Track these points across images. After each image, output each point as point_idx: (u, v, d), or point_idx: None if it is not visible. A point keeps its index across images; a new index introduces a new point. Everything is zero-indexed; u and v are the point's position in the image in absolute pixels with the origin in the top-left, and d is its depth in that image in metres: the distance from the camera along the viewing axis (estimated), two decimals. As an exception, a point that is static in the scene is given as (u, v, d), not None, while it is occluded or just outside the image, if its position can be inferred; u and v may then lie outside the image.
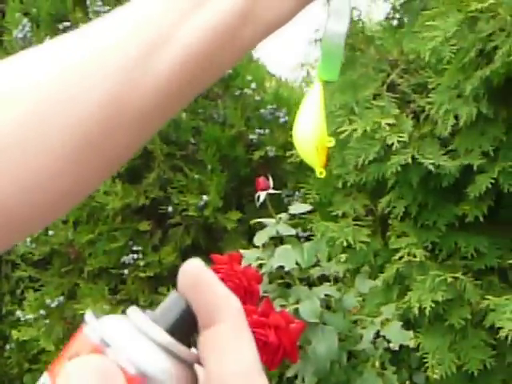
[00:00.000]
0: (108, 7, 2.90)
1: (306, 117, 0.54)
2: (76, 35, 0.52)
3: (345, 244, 1.98)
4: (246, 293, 1.46)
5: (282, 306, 1.54)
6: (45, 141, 0.49)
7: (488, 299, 1.82)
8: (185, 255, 2.79)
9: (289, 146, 2.67)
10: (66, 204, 0.55)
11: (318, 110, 0.54)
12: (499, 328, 1.72)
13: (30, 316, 2.81)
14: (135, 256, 2.71)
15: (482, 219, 1.94)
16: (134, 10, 0.52)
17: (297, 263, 1.61)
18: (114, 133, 0.51)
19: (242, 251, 1.63)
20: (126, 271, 2.73)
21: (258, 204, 1.68)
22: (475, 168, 1.89)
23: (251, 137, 2.92)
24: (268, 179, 1.72)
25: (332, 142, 0.54)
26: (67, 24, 2.99)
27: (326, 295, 1.59)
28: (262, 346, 1.33)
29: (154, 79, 0.50)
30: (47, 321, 2.81)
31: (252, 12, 0.52)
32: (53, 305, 2.78)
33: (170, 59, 0.50)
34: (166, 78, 0.51)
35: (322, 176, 0.55)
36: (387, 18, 2.37)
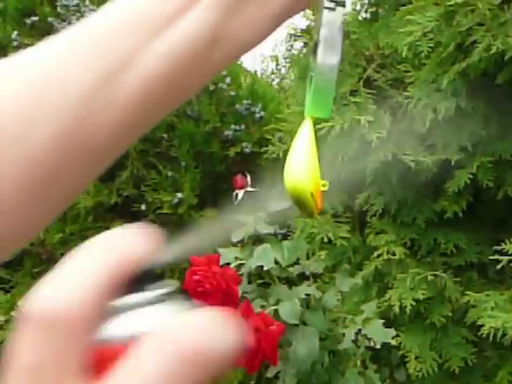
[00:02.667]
0: (76, 0, 2.84)
1: (299, 158, 0.49)
2: (31, 58, 0.49)
3: (325, 240, 1.96)
4: (225, 295, 1.43)
5: (261, 306, 1.51)
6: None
7: (468, 295, 1.81)
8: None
9: (264, 142, 2.65)
10: (19, 240, 0.52)
11: (310, 150, 0.50)
12: (480, 325, 1.71)
13: (2, 318, 2.76)
14: (109, 256, 2.67)
15: (461, 215, 1.92)
16: (90, 32, 0.48)
17: (276, 262, 1.59)
18: (69, 165, 0.48)
19: (220, 250, 1.60)
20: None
21: (235, 203, 1.66)
22: (453, 163, 1.88)
23: (226, 133, 2.89)
24: (245, 176, 1.69)
25: (326, 186, 0.50)
26: (35, 18, 2.94)
27: (306, 294, 1.57)
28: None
29: (110, 109, 0.47)
30: (19, 323, 2.76)
31: (223, 35, 0.49)
32: (25, 306, 2.73)
33: (129, 87, 0.47)
34: (124, 107, 0.47)
35: (317, 217, 0.51)
36: (359, 11, 2.35)
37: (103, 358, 0.27)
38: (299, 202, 0.49)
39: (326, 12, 0.49)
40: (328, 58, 0.49)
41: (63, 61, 0.47)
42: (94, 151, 0.48)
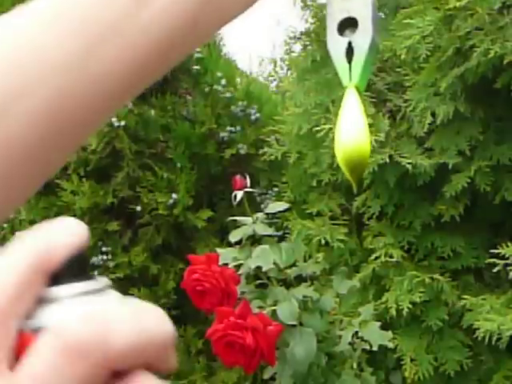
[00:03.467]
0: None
1: (357, 122, 0.48)
2: (6, 25, 0.48)
3: (322, 242, 1.96)
4: (224, 294, 1.43)
5: (259, 307, 1.51)
6: None
7: (465, 299, 1.81)
8: (155, 255, 2.75)
9: (260, 143, 2.65)
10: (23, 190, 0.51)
11: (364, 115, 0.49)
12: (476, 328, 1.72)
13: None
14: (104, 257, 2.66)
15: (458, 219, 1.93)
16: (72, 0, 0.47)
17: (274, 263, 1.59)
18: (53, 139, 0.47)
19: (218, 250, 1.60)
20: (95, 272, 2.67)
21: (234, 203, 1.65)
22: (451, 167, 1.88)
23: (222, 134, 2.88)
24: (244, 177, 1.69)
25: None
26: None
27: (304, 296, 1.57)
28: (239, 349, 1.31)
29: (95, 78, 0.46)
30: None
31: (207, 4, 0.48)
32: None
33: (113, 56, 0.46)
34: (110, 76, 0.46)
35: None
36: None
37: (21, 346, 0.28)
38: (353, 168, 0.49)
39: None
40: (376, 35, 0.51)
41: (47, 27, 0.46)
42: (80, 121, 0.48)
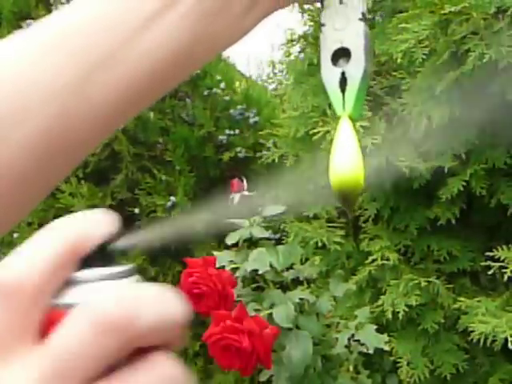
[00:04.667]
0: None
1: (350, 154, 0.49)
2: (14, 50, 0.49)
3: (319, 245, 1.97)
4: (221, 297, 1.44)
5: (256, 310, 1.52)
6: None
7: (461, 301, 1.82)
8: (153, 257, 2.76)
9: (259, 146, 2.66)
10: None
11: (357, 147, 0.50)
12: (471, 331, 1.72)
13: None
14: (103, 259, 2.67)
15: (454, 222, 1.94)
16: (72, 27, 0.48)
17: (271, 266, 1.59)
18: (48, 162, 0.49)
19: (215, 253, 1.61)
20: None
21: (231, 206, 1.67)
22: (446, 170, 1.89)
23: (220, 137, 2.90)
24: (242, 180, 1.70)
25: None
26: (30, 22, 2.93)
27: (300, 299, 1.58)
28: (236, 352, 1.31)
29: (93, 104, 0.48)
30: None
31: (204, 34, 0.50)
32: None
33: (110, 83, 0.48)
34: (107, 102, 0.48)
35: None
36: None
37: (49, 322, 0.30)
38: (346, 198, 0.49)
39: (362, 24, 0.53)
40: (369, 65, 0.52)
41: (48, 54, 0.47)
42: (77, 144, 0.49)
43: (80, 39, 0.48)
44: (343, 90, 0.53)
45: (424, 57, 1.87)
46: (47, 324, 0.30)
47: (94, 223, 0.33)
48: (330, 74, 0.53)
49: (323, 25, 0.54)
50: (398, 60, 1.89)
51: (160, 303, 0.30)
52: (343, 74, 0.53)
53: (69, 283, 0.32)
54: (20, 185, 0.48)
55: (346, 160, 0.49)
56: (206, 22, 0.49)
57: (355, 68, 0.52)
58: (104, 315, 0.29)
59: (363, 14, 0.53)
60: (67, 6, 0.49)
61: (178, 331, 0.31)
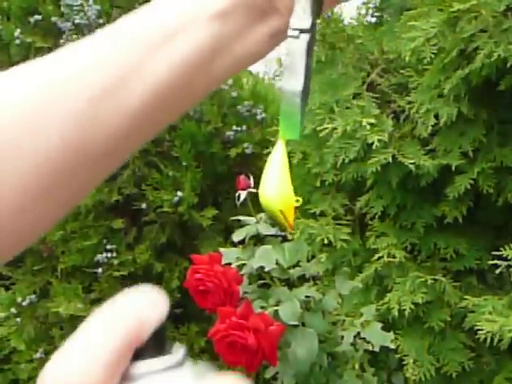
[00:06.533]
0: (80, 0, 2.85)
1: (271, 178, 0.54)
2: (47, 63, 0.51)
3: (325, 242, 1.97)
4: (226, 294, 1.44)
5: (261, 307, 1.52)
6: (3, 173, 0.47)
7: (467, 300, 1.82)
8: (160, 253, 2.76)
9: (266, 143, 2.65)
10: (23, 242, 0.53)
11: (282, 169, 0.54)
12: (478, 330, 1.72)
13: (1, 315, 2.76)
14: (109, 255, 2.67)
15: (461, 220, 1.93)
16: (102, 41, 0.51)
17: (277, 263, 1.59)
18: (79, 166, 0.49)
19: (221, 250, 1.61)
20: (99, 270, 2.69)
21: (238, 203, 1.66)
22: (454, 168, 1.89)
23: (228, 133, 2.90)
24: (248, 177, 1.69)
25: (299, 202, 0.54)
26: (38, 17, 2.94)
27: (306, 296, 1.58)
28: (241, 349, 1.31)
29: (119, 114, 0.49)
30: (18, 319, 2.77)
31: (221, 46, 0.51)
32: (24, 303, 2.73)
33: (136, 94, 0.50)
34: (132, 113, 0.50)
35: (291, 231, 0.57)
36: (366, 15, 2.35)
37: None
38: (272, 217, 0.54)
39: (288, 40, 0.52)
40: (290, 84, 0.52)
41: (79, 67, 0.50)
42: (104, 153, 0.50)
43: (112, 48, 0.51)
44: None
45: (432, 55, 1.86)
46: None
47: (150, 306, 0.29)
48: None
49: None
50: (407, 58, 1.88)
51: None
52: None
53: (124, 379, 0.28)
54: (41, 199, 0.49)
55: (269, 185, 0.54)
56: (224, 38, 0.51)
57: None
58: None
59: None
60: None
61: None
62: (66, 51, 0.51)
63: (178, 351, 0.30)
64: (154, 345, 0.29)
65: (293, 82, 0.52)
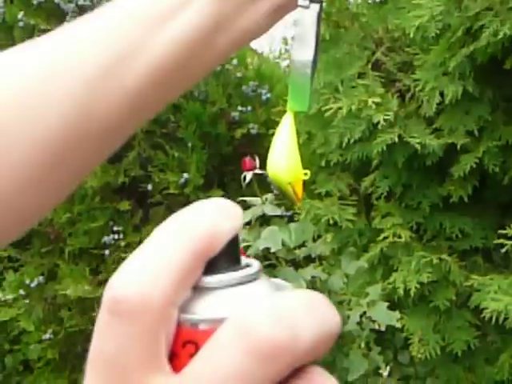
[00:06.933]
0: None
1: (279, 150, 0.53)
2: (47, 41, 0.51)
3: (331, 222, 1.97)
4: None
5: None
6: (3, 153, 0.48)
7: (473, 279, 1.82)
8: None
9: (271, 123, 2.65)
10: (27, 221, 0.53)
11: (291, 142, 0.53)
12: (483, 308, 1.73)
13: (10, 296, 2.78)
14: (116, 236, 2.69)
15: (466, 199, 1.93)
16: (105, 18, 0.51)
17: (283, 244, 1.60)
18: (80, 144, 0.50)
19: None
20: (106, 252, 2.70)
21: (244, 184, 1.67)
22: (459, 147, 1.88)
23: (233, 114, 2.89)
24: (253, 159, 1.70)
25: (307, 175, 0.53)
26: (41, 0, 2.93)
27: (312, 277, 1.59)
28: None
29: (122, 90, 0.50)
30: (27, 301, 2.79)
31: (225, 19, 0.51)
32: (32, 285, 2.75)
33: (139, 70, 0.50)
34: (135, 89, 0.50)
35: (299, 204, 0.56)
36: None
37: (182, 343, 0.26)
38: (281, 191, 0.53)
39: (298, 10, 0.52)
40: (300, 54, 0.52)
41: (80, 42, 0.50)
42: (106, 131, 0.50)
43: (114, 27, 0.50)
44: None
45: (438, 32, 1.85)
46: (180, 346, 0.26)
47: (223, 216, 0.27)
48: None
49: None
50: (411, 35, 1.87)
51: (315, 314, 0.25)
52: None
53: (197, 291, 0.27)
54: (43, 178, 0.49)
55: (278, 158, 0.52)
56: (227, 11, 0.51)
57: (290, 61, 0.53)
58: (261, 339, 0.24)
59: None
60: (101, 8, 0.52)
61: (332, 343, 0.26)
62: (67, 29, 0.51)
63: (253, 265, 0.28)
64: (228, 257, 0.28)
65: (303, 53, 0.52)
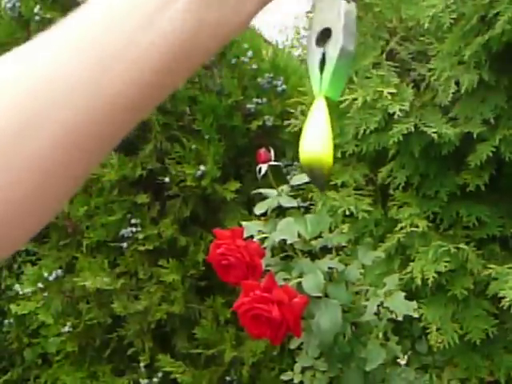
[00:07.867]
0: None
1: (316, 134, 0.51)
2: (38, 43, 0.51)
3: (347, 213, 1.97)
4: (249, 268, 1.45)
5: (284, 279, 1.53)
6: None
7: (490, 268, 1.82)
8: (184, 227, 2.78)
9: (286, 115, 2.65)
10: (44, 218, 0.54)
11: (327, 127, 0.53)
12: (501, 297, 1.72)
13: (28, 290, 2.80)
14: (134, 229, 2.70)
15: (483, 188, 1.92)
16: (81, 24, 0.50)
17: (299, 235, 1.60)
18: (74, 155, 0.50)
19: (243, 223, 1.62)
20: (124, 244, 2.71)
21: (259, 176, 1.67)
22: (475, 136, 1.88)
23: (248, 106, 2.89)
24: (268, 150, 1.70)
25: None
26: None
27: (329, 268, 1.59)
28: (266, 322, 1.33)
29: (107, 98, 0.49)
30: (46, 294, 2.81)
31: (207, 23, 0.51)
32: (51, 278, 2.77)
33: (122, 76, 0.49)
34: (122, 93, 0.50)
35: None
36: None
37: None
38: (315, 176, 0.51)
39: (344, 2, 0.53)
40: (348, 44, 0.53)
41: (69, 42, 0.49)
42: (96, 139, 0.51)
43: (92, 32, 0.49)
44: (322, 71, 0.53)
45: (452, 21, 1.84)
46: None
47: None
48: (312, 56, 0.54)
49: (313, 7, 0.55)
50: (426, 25, 1.87)
51: None
52: (324, 54, 0.54)
53: None
54: (59, 174, 0.50)
55: (315, 140, 0.51)
56: (209, 9, 0.51)
57: (333, 48, 0.53)
58: None
59: None
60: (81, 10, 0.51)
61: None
62: (59, 34, 0.51)
63: None
64: None
65: (350, 43, 0.53)
